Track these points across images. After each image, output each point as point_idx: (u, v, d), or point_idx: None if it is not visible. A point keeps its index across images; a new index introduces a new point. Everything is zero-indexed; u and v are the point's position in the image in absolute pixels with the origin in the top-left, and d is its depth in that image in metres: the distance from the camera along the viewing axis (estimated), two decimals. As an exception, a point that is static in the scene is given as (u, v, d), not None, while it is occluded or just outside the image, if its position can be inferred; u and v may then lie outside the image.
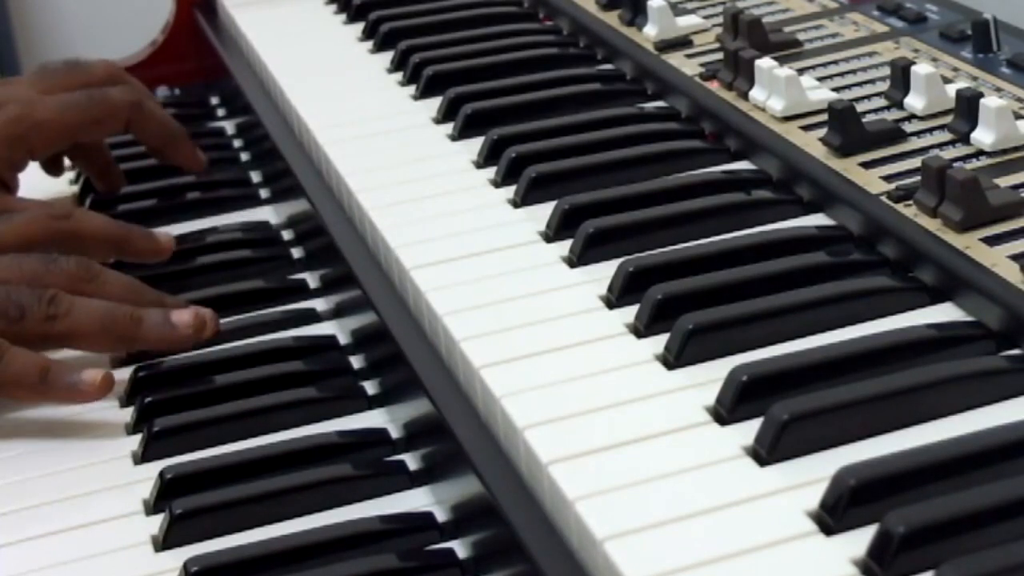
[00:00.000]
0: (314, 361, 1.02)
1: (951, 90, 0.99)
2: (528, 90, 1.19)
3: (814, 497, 0.69)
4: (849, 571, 0.66)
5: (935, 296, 0.85)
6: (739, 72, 1.08)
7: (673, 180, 1.02)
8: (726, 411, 0.77)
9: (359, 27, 1.39)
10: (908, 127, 0.99)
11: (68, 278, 1.01)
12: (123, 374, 1.02)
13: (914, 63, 1.02)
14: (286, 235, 1.20)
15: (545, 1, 1.38)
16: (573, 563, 0.72)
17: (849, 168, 0.95)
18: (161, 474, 0.90)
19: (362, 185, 1.07)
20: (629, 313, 0.87)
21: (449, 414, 0.86)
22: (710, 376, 0.80)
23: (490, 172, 1.07)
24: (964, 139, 0.96)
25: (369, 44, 1.35)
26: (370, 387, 0.99)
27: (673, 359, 0.82)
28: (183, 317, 1.03)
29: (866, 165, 0.95)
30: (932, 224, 0.87)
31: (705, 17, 1.23)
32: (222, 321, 1.06)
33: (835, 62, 1.12)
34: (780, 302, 0.85)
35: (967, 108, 0.96)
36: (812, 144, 0.99)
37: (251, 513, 0.87)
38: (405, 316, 0.96)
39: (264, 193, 1.28)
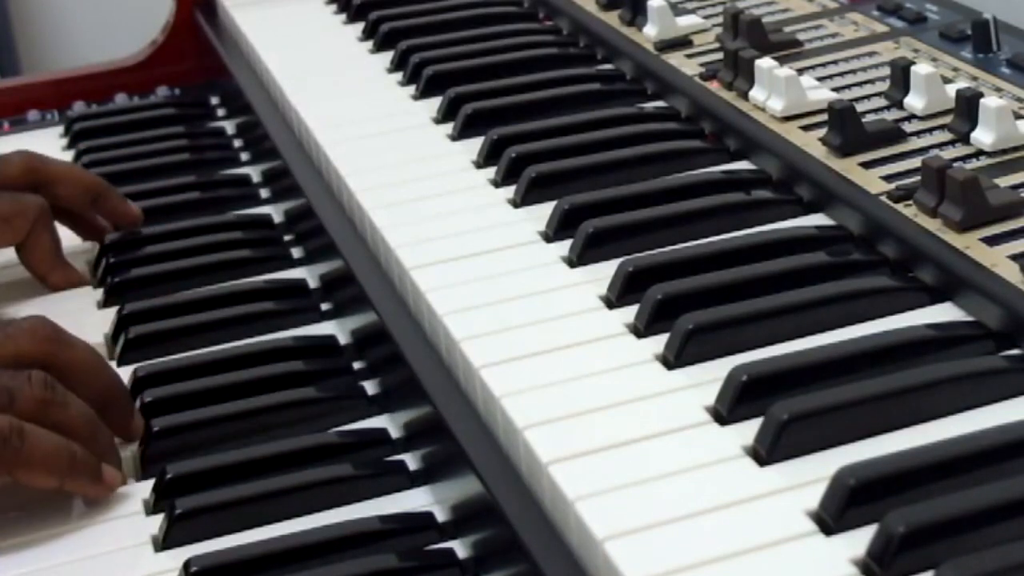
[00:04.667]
0: (314, 361, 1.02)
1: (951, 90, 0.99)
2: (528, 90, 1.19)
3: (814, 497, 0.69)
4: (849, 571, 0.66)
5: (935, 296, 0.85)
6: (739, 72, 1.08)
7: (673, 180, 1.02)
8: (726, 411, 0.77)
9: (359, 27, 1.39)
10: (908, 127, 0.99)
11: (35, 402, 0.89)
12: (123, 375, 1.02)
13: (914, 63, 1.02)
14: (286, 235, 1.20)
15: (545, 1, 1.38)
16: (573, 563, 0.72)
17: (849, 168, 0.95)
18: (161, 474, 0.90)
19: (362, 185, 1.07)
20: (629, 313, 0.87)
21: (449, 414, 0.86)
22: (710, 376, 0.80)
23: (490, 172, 1.07)
24: (964, 139, 0.96)
25: (369, 44, 1.35)
26: (370, 387, 0.99)
27: (673, 359, 0.82)
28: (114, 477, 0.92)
29: (866, 165, 0.95)
30: (932, 224, 0.87)
31: (705, 17, 1.23)
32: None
33: (835, 62, 1.12)
34: (780, 302, 0.85)
35: (967, 108, 0.96)
36: (812, 144, 0.99)
37: (251, 513, 0.87)
38: (405, 316, 0.96)
39: (264, 193, 1.28)
